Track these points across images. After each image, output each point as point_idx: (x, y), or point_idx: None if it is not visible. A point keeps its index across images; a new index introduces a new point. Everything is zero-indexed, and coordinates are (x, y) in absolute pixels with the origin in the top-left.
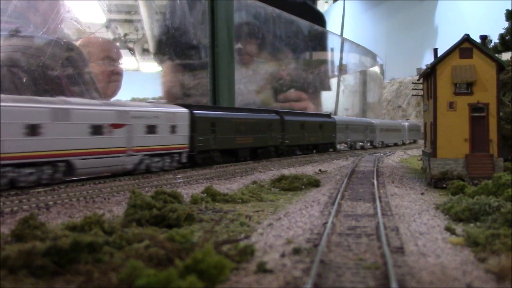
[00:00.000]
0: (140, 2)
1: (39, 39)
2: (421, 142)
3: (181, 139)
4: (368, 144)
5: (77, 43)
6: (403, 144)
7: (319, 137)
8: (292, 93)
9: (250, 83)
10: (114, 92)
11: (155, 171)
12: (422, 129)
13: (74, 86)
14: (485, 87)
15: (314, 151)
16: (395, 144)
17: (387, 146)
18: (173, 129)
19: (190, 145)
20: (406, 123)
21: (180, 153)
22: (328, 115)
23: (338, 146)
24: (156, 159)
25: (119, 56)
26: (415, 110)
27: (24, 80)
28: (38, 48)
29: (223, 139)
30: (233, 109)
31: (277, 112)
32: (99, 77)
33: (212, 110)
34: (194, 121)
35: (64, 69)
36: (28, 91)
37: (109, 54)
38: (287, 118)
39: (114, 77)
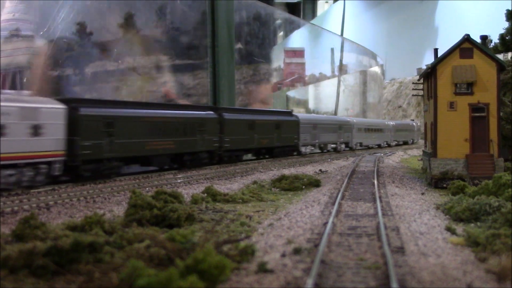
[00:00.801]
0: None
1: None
2: (418, 143)
3: (51, 144)
4: (343, 145)
5: None
6: (388, 146)
7: (275, 139)
8: None
9: None
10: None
11: (7, 188)
12: (422, 129)
13: None
14: (486, 87)
15: (268, 156)
16: (379, 146)
17: (369, 148)
18: (36, 130)
19: (68, 153)
20: (391, 123)
21: (49, 163)
22: (288, 113)
23: (303, 149)
24: (8, 171)
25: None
26: (415, 110)
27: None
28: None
29: (126, 144)
30: (144, 104)
31: (215, 109)
32: None
33: (108, 106)
34: (75, 121)
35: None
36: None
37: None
38: (228, 116)
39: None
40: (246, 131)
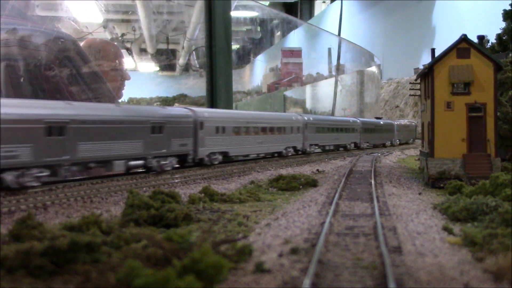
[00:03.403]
0: (137, 2)
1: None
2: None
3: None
4: (170, 161)
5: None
6: (303, 153)
7: None
8: None
9: None
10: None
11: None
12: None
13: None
14: (483, 87)
15: None
16: (279, 155)
17: (259, 158)
18: None
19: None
20: (306, 117)
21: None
22: None
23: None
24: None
25: (116, 57)
26: (412, 110)
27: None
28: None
29: None
30: None
31: None
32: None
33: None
34: None
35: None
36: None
37: (106, 54)
38: None
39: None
40: None
